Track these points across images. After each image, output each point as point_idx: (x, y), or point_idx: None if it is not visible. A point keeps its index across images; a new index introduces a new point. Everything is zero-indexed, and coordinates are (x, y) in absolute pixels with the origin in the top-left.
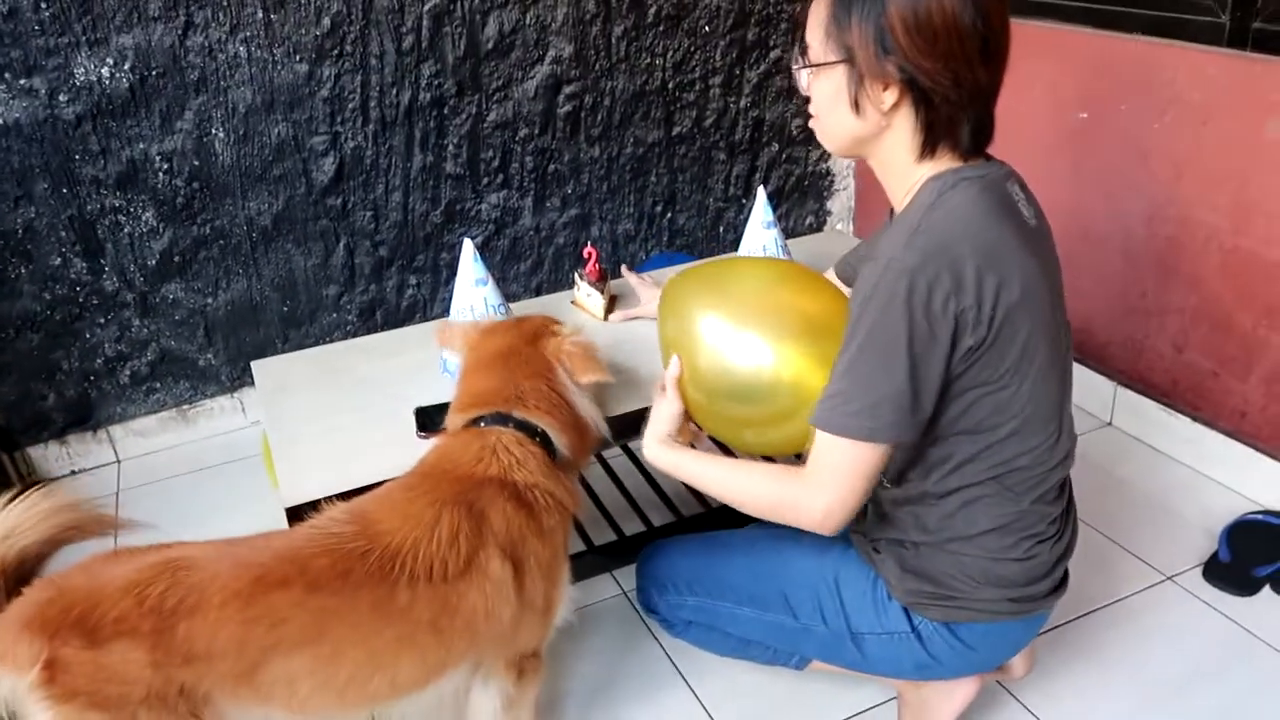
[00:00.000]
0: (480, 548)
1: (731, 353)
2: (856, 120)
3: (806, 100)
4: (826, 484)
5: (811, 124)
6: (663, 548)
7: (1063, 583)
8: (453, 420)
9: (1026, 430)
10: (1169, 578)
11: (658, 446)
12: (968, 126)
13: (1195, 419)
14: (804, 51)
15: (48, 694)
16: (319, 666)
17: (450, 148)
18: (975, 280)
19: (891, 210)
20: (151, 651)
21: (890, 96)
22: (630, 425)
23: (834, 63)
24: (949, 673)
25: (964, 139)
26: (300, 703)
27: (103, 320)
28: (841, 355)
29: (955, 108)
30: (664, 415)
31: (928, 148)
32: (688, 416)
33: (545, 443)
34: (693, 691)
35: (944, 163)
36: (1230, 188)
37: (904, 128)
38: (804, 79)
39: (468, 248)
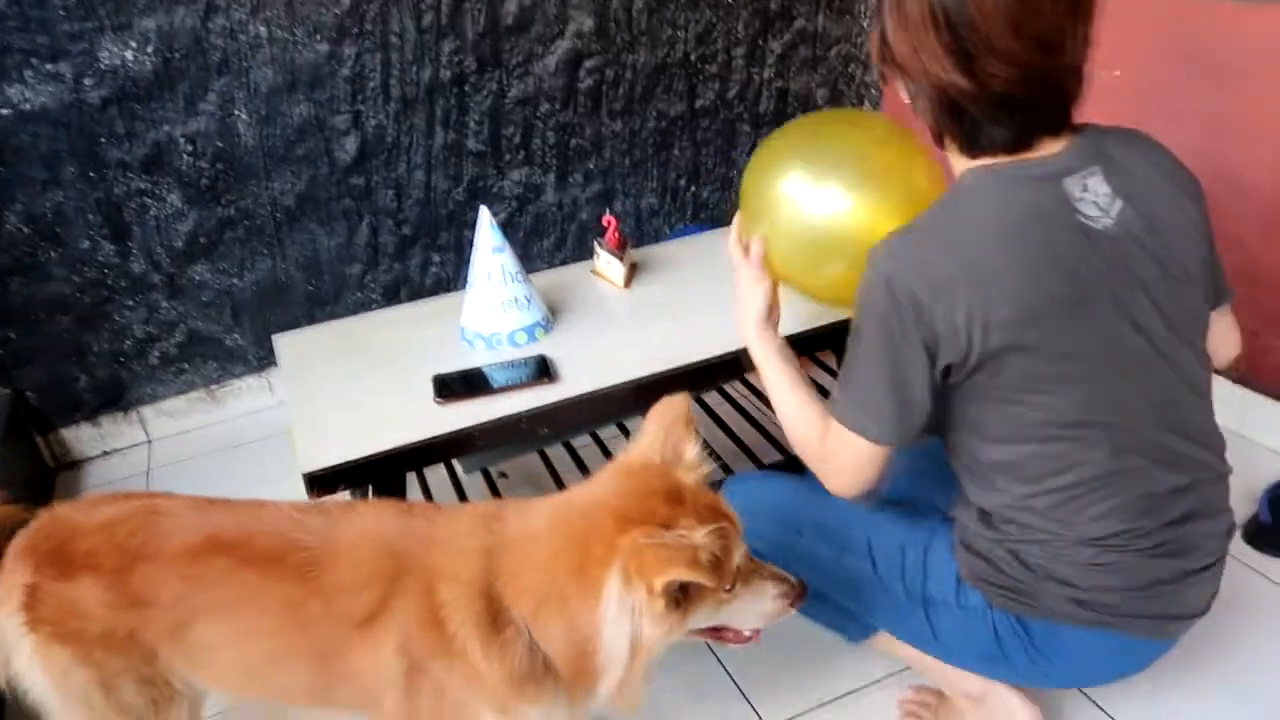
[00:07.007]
0: (382, 615)
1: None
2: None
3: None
4: (841, 469)
5: None
6: (742, 481)
7: (1178, 608)
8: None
9: (1097, 436)
10: None
11: (756, 332)
12: (986, 123)
13: (1234, 380)
14: None
15: (23, 620)
16: (233, 642)
17: (472, 125)
18: (958, 296)
19: None
20: (107, 590)
21: (901, 89)
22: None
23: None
24: (1019, 677)
25: (983, 136)
26: (218, 676)
27: (131, 302)
28: (850, 341)
29: (969, 101)
30: (756, 294)
31: (939, 140)
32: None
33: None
34: None
35: (989, 156)
36: (1273, 143)
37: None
38: None
39: (484, 215)
